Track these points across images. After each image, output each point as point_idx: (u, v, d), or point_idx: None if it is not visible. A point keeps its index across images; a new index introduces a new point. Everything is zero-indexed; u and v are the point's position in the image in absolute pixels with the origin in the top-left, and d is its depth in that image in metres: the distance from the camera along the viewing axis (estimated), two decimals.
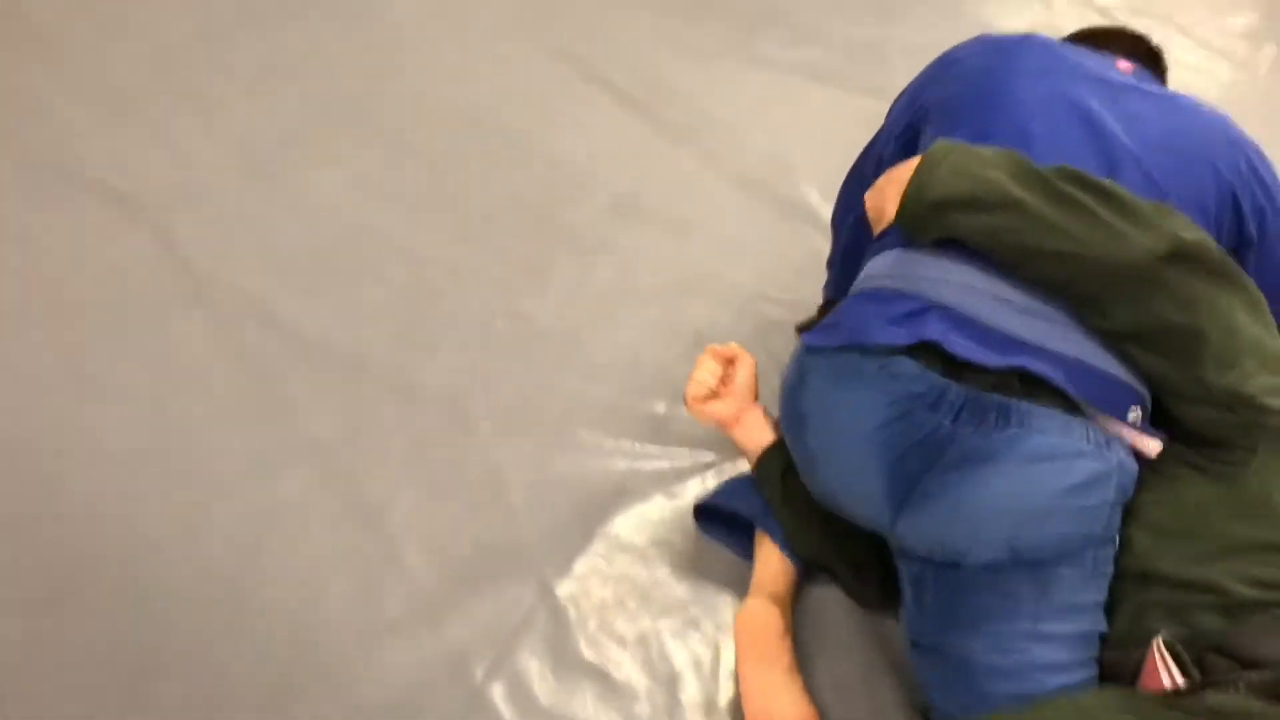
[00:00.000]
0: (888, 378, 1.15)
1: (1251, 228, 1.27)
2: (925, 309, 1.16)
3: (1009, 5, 2.41)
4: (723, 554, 1.46)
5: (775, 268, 1.85)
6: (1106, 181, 1.15)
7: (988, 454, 1.11)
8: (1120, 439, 1.15)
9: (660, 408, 1.66)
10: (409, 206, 1.95)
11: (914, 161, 1.22)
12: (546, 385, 1.69)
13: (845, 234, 1.54)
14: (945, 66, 1.41)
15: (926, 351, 1.14)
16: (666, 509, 1.55)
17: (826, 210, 1.68)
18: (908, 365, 1.14)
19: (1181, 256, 1.10)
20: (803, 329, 1.50)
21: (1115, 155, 1.22)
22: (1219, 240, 1.23)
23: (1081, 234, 1.11)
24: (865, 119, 1.55)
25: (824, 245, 1.67)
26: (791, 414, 1.26)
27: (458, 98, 2.14)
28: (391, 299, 1.80)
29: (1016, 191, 1.14)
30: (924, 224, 1.20)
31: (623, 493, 1.56)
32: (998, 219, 1.14)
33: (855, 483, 1.20)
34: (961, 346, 1.13)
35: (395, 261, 1.85)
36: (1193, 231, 1.13)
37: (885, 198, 1.26)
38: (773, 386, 1.40)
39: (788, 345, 1.65)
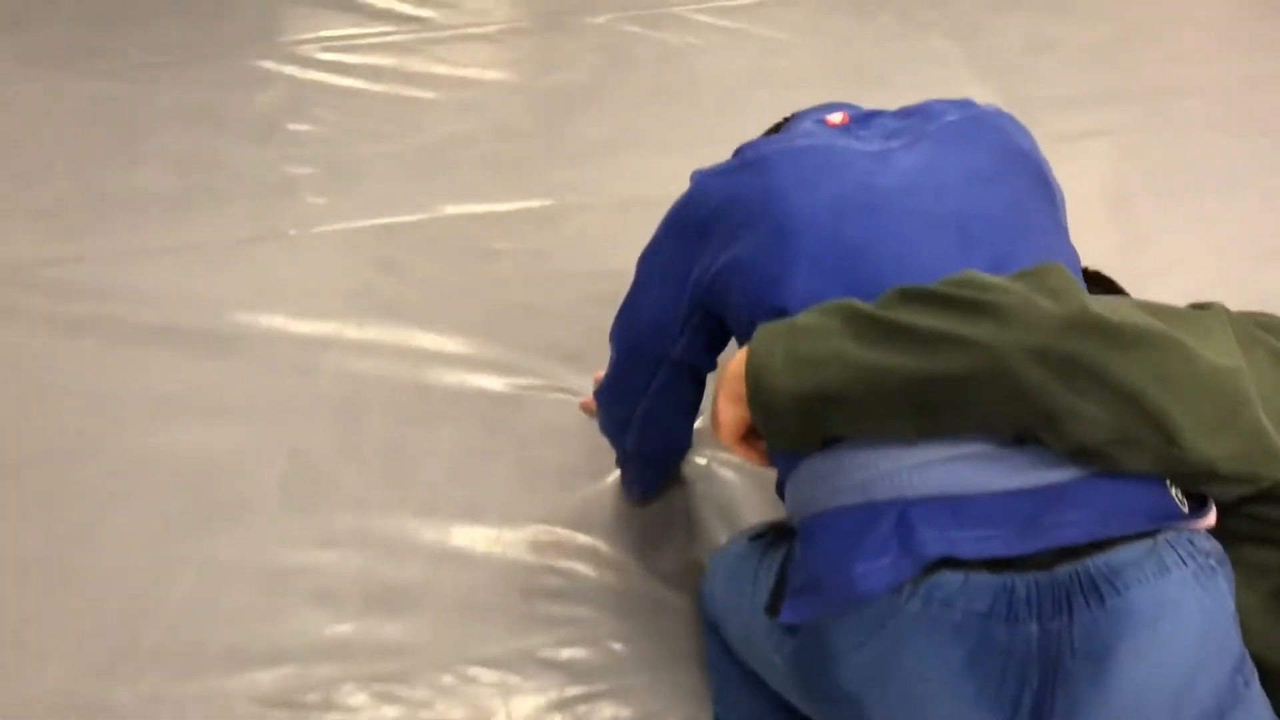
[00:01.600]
0: (938, 609, 0.88)
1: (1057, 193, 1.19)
2: (903, 514, 0.91)
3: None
4: None
5: None
6: (940, 286, 0.94)
7: (1106, 642, 0.86)
8: (1188, 529, 0.92)
9: None
10: None
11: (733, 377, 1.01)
12: None
13: (642, 435, 1.36)
14: (699, 227, 1.16)
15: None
16: None
17: None
18: (949, 581, 0.88)
19: (1075, 328, 0.88)
20: (770, 609, 1.04)
21: (930, 223, 1.06)
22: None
23: (933, 363, 0.90)
24: None
25: None
26: (833, 698, 0.97)
27: None
28: None
29: (856, 352, 0.93)
30: (800, 440, 0.99)
31: None
32: (859, 397, 0.93)
33: None
34: (979, 544, 0.88)
35: None
36: (1065, 297, 0.91)
37: (732, 432, 1.05)
38: None
39: None
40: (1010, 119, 1.21)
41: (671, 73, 2.33)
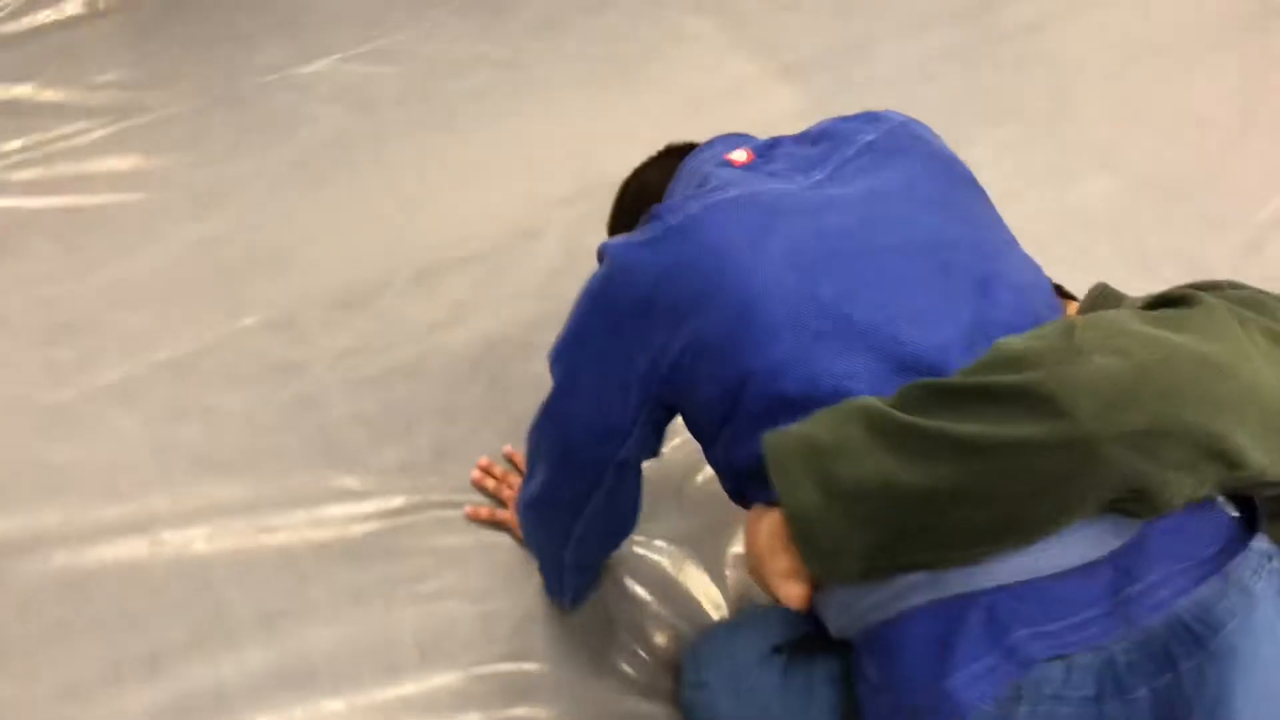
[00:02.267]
0: (1049, 705, 0.82)
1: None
2: (990, 611, 0.83)
3: None
4: None
5: None
6: (974, 377, 0.82)
7: (1218, 686, 0.81)
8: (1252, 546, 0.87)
9: None
10: None
11: (768, 519, 0.89)
12: None
13: (584, 545, 1.21)
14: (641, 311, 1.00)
15: None
16: None
17: None
18: (1052, 674, 0.81)
19: (1140, 395, 0.77)
20: None
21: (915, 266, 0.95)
22: None
23: (1003, 474, 0.78)
24: None
25: None
26: None
27: None
28: None
29: (905, 476, 0.80)
30: (846, 572, 0.86)
31: None
32: (923, 525, 0.81)
33: None
34: (1080, 634, 0.82)
35: None
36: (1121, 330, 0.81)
37: (799, 595, 0.90)
38: None
39: None
40: (915, 122, 1.13)
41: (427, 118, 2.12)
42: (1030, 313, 0.94)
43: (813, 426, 0.86)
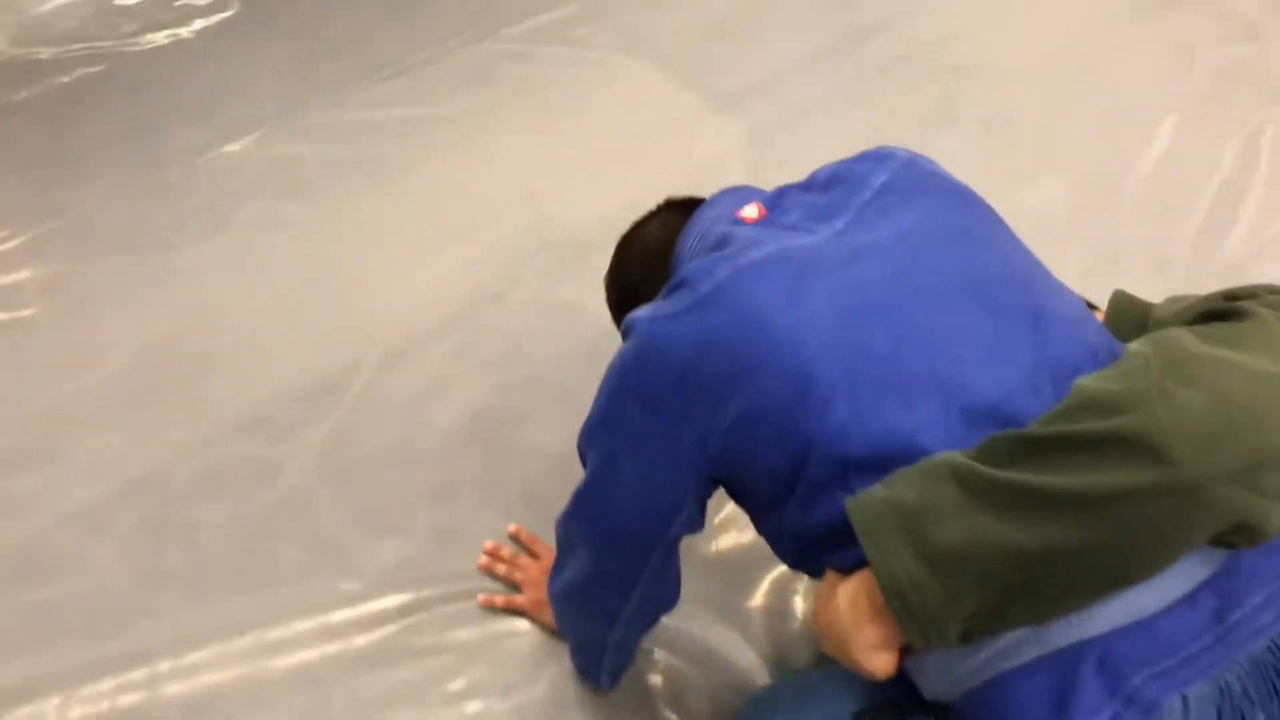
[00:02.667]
0: None
1: None
2: (1102, 659, 0.81)
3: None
4: None
5: None
6: (1063, 425, 0.80)
7: None
8: None
9: None
10: None
11: (850, 587, 0.87)
12: None
13: (632, 623, 1.15)
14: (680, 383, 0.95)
15: None
16: None
17: None
18: (1172, 712, 0.80)
19: (1233, 435, 0.75)
20: None
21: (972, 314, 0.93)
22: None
23: (1112, 527, 0.76)
24: None
25: None
26: None
27: None
28: None
29: (1008, 534, 0.77)
30: (948, 637, 0.82)
31: None
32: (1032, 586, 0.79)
33: None
34: (1196, 667, 0.80)
35: None
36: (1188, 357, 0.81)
37: (888, 665, 0.87)
38: None
39: None
40: (920, 155, 1.11)
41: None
42: (1086, 344, 0.93)
43: (898, 488, 0.83)
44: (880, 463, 0.87)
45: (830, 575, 0.92)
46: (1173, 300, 1.09)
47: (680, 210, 1.23)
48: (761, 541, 1.04)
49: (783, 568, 1.41)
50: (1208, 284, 1.64)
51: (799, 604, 1.39)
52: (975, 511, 0.78)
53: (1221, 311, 0.92)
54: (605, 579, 1.10)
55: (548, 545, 1.42)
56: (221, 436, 1.59)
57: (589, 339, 1.68)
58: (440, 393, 1.64)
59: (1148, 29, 2.23)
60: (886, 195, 1.03)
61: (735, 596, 1.42)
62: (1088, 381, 0.83)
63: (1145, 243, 1.81)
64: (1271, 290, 0.96)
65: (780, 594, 1.41)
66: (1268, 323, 0.86)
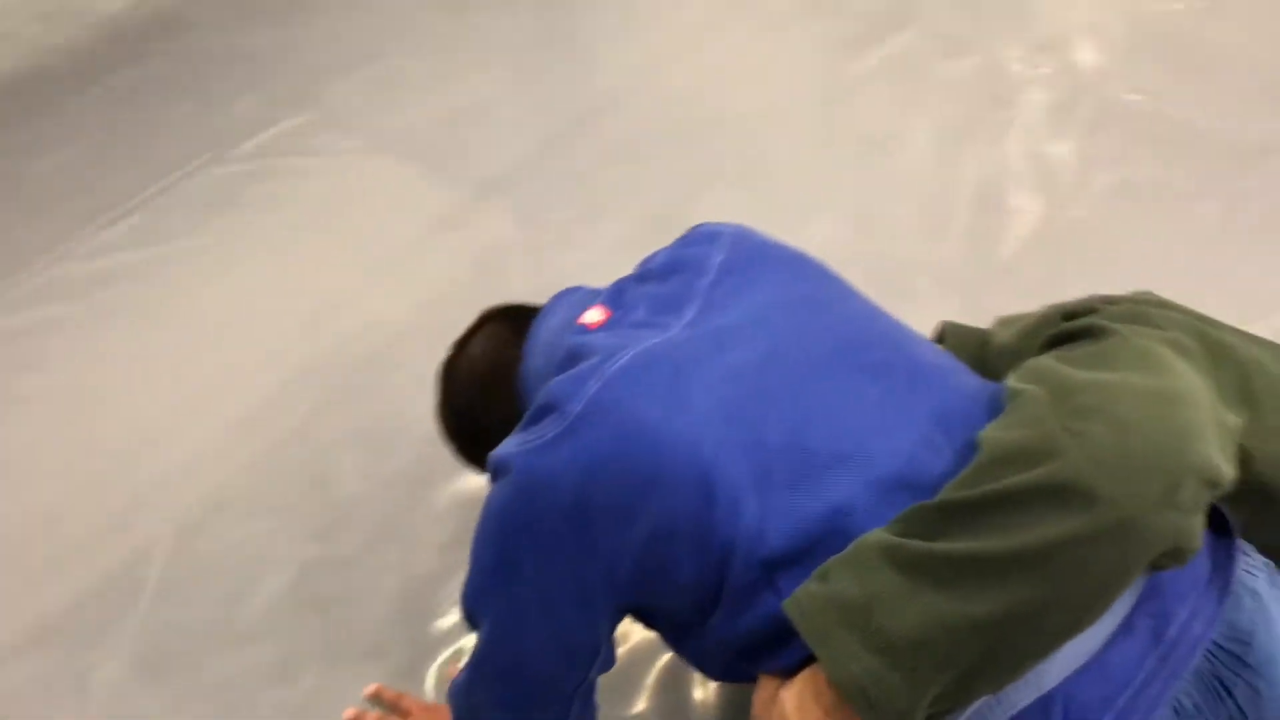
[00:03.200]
0: None
1: None
2: (1063, 705, 0.81)
3: None
4: None
5: None
6: (978, 489, 0.78)
7: (1263, 699, 0.83)
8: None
9: None
10: None
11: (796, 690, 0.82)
12: None
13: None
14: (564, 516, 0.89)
15: None
16: None
17: None
18: None
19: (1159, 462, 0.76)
20: None
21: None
22: None
23: (1061, 580, 0.75)
24: None
25: None
26: None
27: None
28: None
29: (956, 608, 0.76)
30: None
31: None
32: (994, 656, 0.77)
33: None
34: (1150, 695, 0.80)
35: None
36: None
37: None
38: None
39: None
40: (744, 227, 1.09)
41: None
42: (965, 391, 0.93)
43: (834, 583, 0.79)
44: (803, 555, 0.83)
45: (766, 681, 0.87)
46: (1004, 323, 1.11)
47: (503, 322, 1.16)
48: (637, 641, 0.97)
49: (662, 664, 1.34)
50: (996, 291, 1.74)
51: (696, 694, 1.32)
52: (919, 592, 0.76)
53: (1073, 332, 0.94)
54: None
55: (416, 699, 1.30)
56: (12, 656, 1.37)
57: (404, 459, 1.58)
58: (253, 558, 1.48)
59: (872, 59, 2.34)
60: (728, 275, 1.00)
61: (622, 706, 1.34)
62: (991, 434, 0.82)
63: (924, 263, 1.87)
64: (1106, 301, 0.99)
65: (673, 689, 1.33)
66: (1128, 339, 0.89)
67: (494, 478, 0.94)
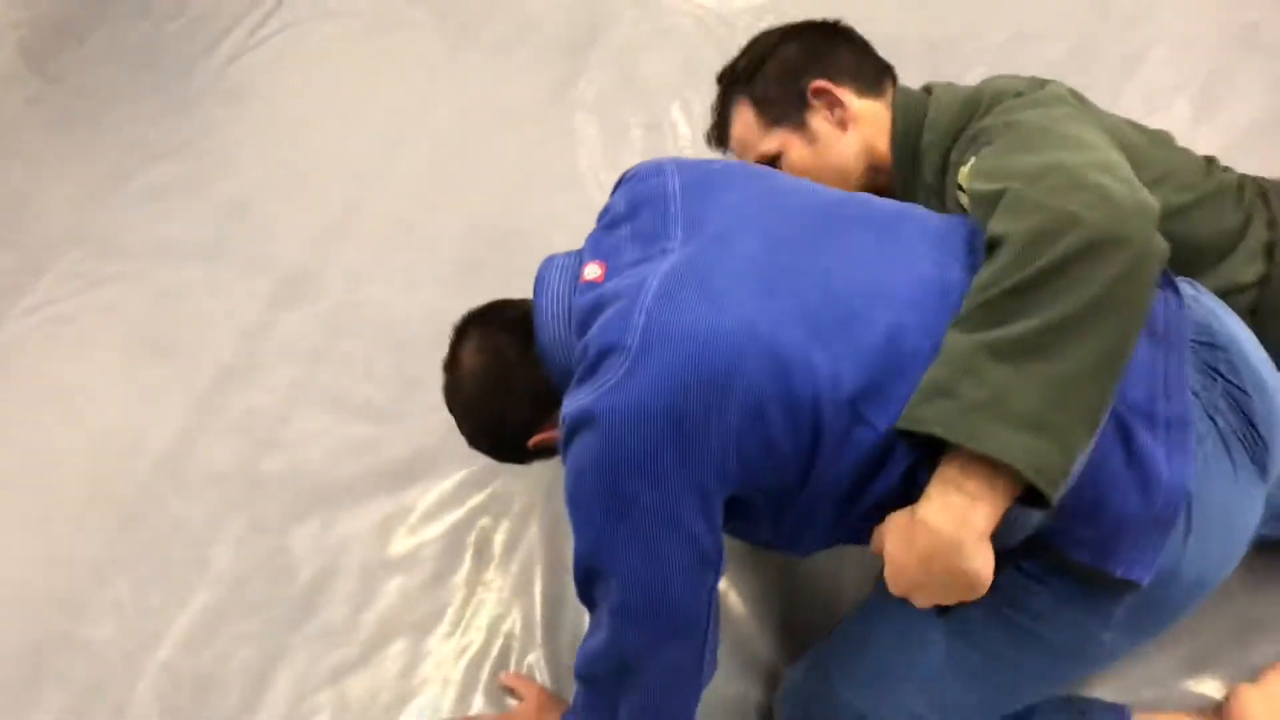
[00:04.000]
0: (1207, 447, 0.97)
1: None
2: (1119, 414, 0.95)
3: None
4: None
5: None
6: (1028, 267, 0.91)
7: (1240, 362, 1.02)
8: None
9: None
10: None
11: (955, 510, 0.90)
12: None
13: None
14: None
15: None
16: None
17: None
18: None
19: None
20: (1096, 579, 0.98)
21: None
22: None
23: (1118, 324, 0.90)
24: None
25: None
26: (1174, 610, 1.02)
27: None
28: None
29: (1063, 368, 0.89)
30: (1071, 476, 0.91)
31: None
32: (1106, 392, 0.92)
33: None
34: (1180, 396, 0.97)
35: None
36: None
37: (974, 554, 0.90)
38: None
39: None
40: (676, 157, 1.18)
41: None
42: (931, 217, 1.08)
43: (959, 392, 0.89)
44: (880, 381, 0.95)
45: (894, 519, 0.95)
46: (938, 109, 1.28)
47: (482, 324, 1.19)
48: None
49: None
50: None
51: None
52: (1029, 370, 0.88)
53: (978, 133, 1.15)
54: (683, 671, 1.04)
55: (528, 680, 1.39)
56: None
57: None
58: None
59: (497, 87, 2.23)
60: (691, 192, 1.08)
61: None
62: (1005, 227, 0.94)
63: None
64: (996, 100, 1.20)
65: None
66: (1026, 123, 1.08)
67: (572, 435, 0.98)
